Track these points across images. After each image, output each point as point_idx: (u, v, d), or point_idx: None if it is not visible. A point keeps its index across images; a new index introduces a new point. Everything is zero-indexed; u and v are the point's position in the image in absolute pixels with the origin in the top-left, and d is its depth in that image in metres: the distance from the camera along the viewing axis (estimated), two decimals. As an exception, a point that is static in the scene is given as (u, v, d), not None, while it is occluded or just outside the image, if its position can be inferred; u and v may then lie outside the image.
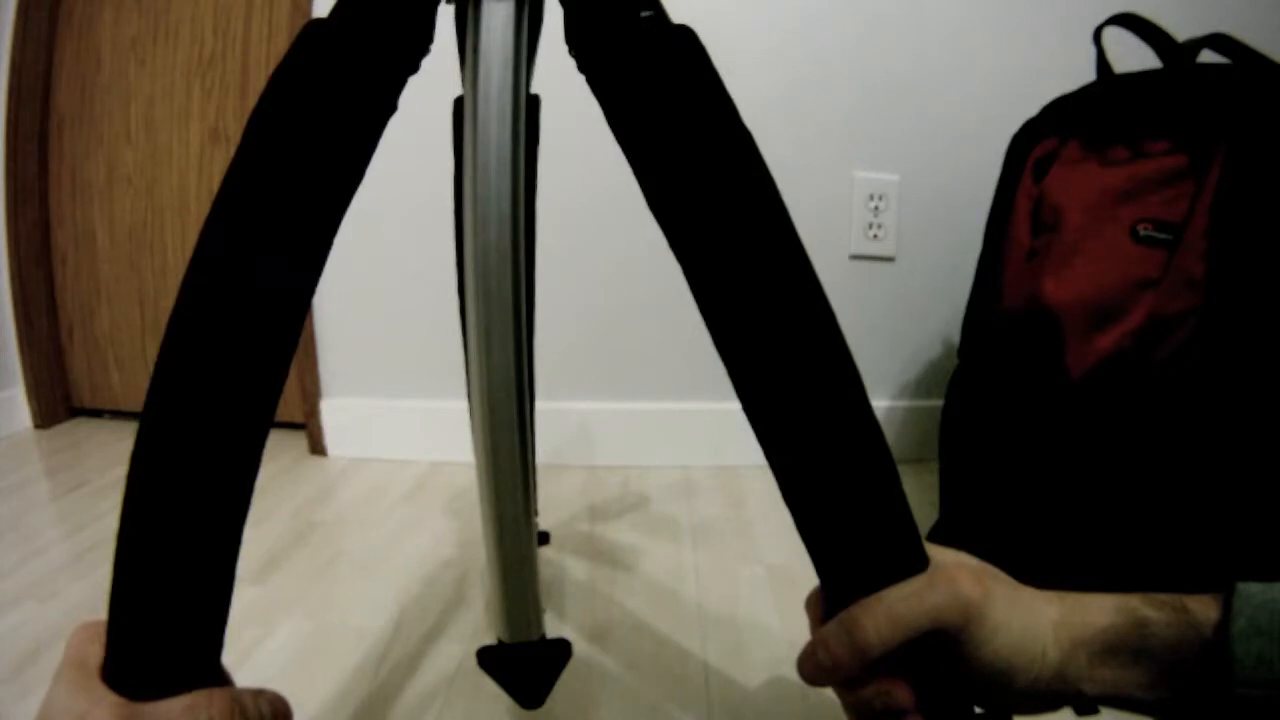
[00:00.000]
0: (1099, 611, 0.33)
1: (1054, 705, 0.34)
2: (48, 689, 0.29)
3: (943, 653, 0.32)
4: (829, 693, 0.66)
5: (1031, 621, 0.32)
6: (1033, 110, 0.80)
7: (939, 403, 0.88)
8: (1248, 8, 1.06)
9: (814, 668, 0.34)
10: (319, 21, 0.32)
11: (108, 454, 1.25)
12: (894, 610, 0.32)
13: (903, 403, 1.22)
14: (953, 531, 0.80)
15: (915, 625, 0.31)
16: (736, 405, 0.34)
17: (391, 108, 0.34)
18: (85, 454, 1.25)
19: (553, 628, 0.50)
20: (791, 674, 0.68)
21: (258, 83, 1.24)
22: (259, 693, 0.32)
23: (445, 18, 0.37)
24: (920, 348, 1.22)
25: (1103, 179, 0.69)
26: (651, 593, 0.82)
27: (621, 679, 0.67)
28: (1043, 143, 0.77)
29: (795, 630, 0.74)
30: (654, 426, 1.20)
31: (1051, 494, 0.70)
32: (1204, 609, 0.31)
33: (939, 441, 0.87)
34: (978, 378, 0.82)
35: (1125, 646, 0.32)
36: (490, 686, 0.49)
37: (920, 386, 1.23)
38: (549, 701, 0.50)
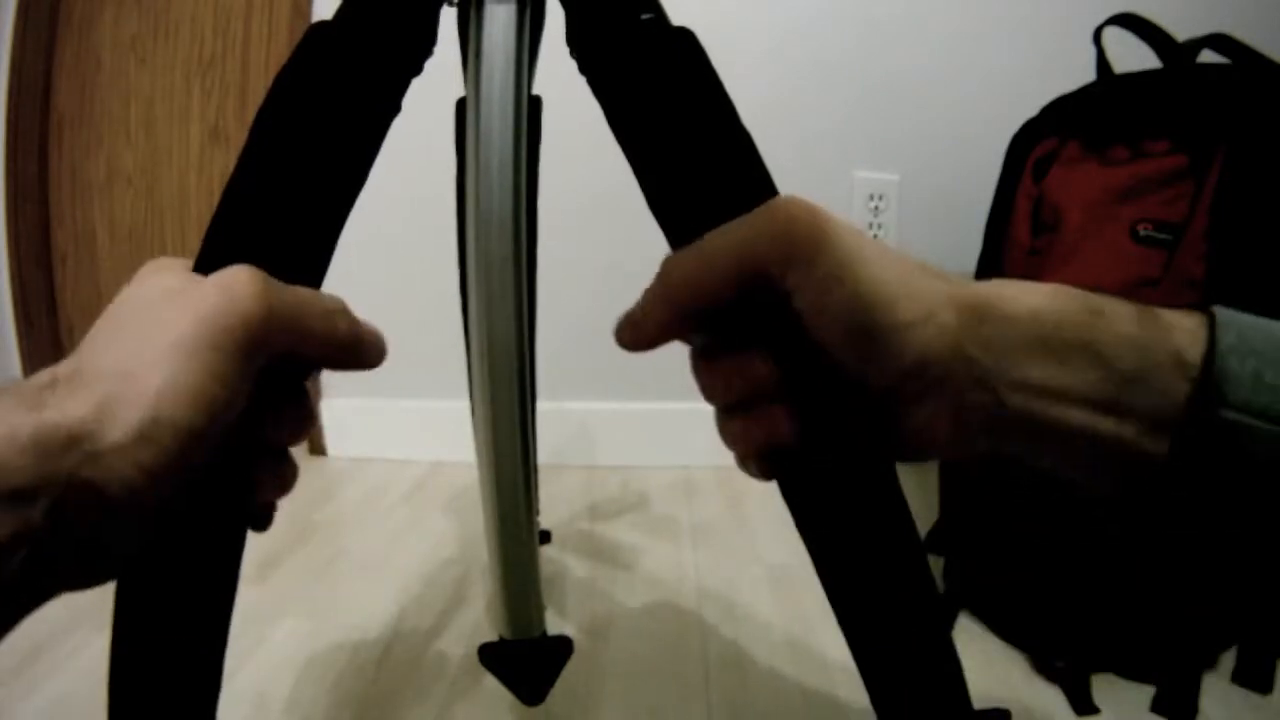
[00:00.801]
0: (1029, 291, 0.26)
1: (968, 431, 0.26)
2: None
3: (785, 312, 0.26)
4: (828, 693, 0.66)
5: (904, 271, 0.25)
6: (1033, 110, 0.80)
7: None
8: (1248, 8, 1.06)
9: (625, 322, 0.28)
10: (323, 24, 0.32)
11: (108, 454, 1.24)
12: (703, 246, 0.26)
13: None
14: (953, 532, 0.80)
15: (725, 261, 0.26)
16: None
17: (395, 109, 0.34)
18: (86, 454, 1.25)
19: (554, 625, 0.51)
20: (791, 674, 0.68)
21: (258, 83, 1.24)
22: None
23: (448, 19, 0.37)
24: (920, 347, 1.22)
25: (1103, 179, 0.69)
26: (651, 592, 0.82)
27: (622, 676, 0.67)
28: (1043, 143, 0.77)
29: (796, 630, 0.75)
30: (654, 426, 1.20)
31: (1051, 494, 0.70)
32: (1174, 315, 0.25)
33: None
34: (977, 377, 0.82)
35: (1068, 336, 0.25)
36: (491, 683, 0.49)
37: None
38: (549, 698, 0.50)
